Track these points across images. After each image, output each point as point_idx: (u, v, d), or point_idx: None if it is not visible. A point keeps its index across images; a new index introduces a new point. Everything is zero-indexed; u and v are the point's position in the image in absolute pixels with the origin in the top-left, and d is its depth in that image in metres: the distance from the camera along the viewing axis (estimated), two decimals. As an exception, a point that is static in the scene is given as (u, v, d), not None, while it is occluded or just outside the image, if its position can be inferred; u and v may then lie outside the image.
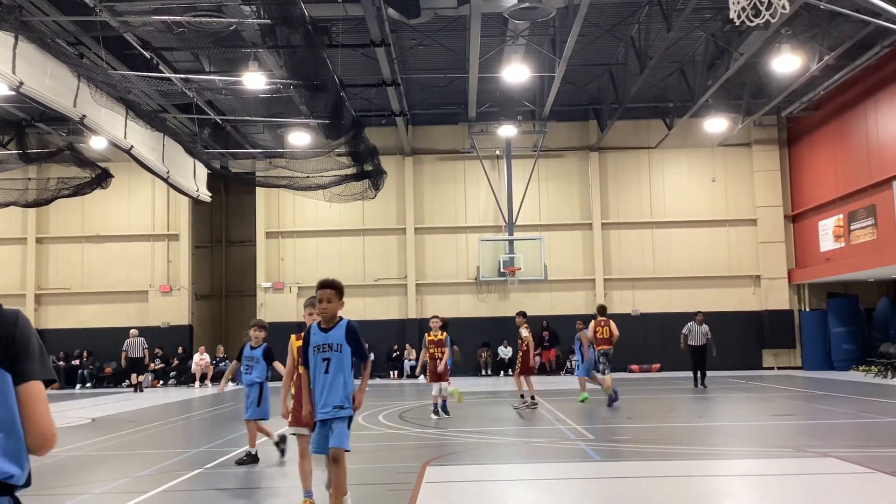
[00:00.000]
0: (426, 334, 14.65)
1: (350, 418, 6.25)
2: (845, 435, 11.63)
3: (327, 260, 29.82)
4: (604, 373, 16.72)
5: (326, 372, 6.11)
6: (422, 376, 15.02)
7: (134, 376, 26.10)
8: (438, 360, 14.14)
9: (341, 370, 6.10)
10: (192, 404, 20.61)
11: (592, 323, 17.18)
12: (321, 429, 6.23)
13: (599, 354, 16.95)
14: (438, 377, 14.19)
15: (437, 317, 14.87)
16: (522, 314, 16.23)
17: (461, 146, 29.73)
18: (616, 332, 17.03)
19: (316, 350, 6.15)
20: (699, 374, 21.00)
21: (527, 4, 16.55)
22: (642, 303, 29.25)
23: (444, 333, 14.37)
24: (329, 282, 6.15)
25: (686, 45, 23.08)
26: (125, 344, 25.95)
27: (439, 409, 14.37)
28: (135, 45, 17.97)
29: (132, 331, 26.67)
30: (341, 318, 6.21)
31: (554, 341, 28.20)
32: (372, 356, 8.05)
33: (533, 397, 15.76)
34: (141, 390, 25.52)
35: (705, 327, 21.21)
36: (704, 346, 21.05)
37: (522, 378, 15.76)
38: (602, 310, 17.40)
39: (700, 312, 22.17)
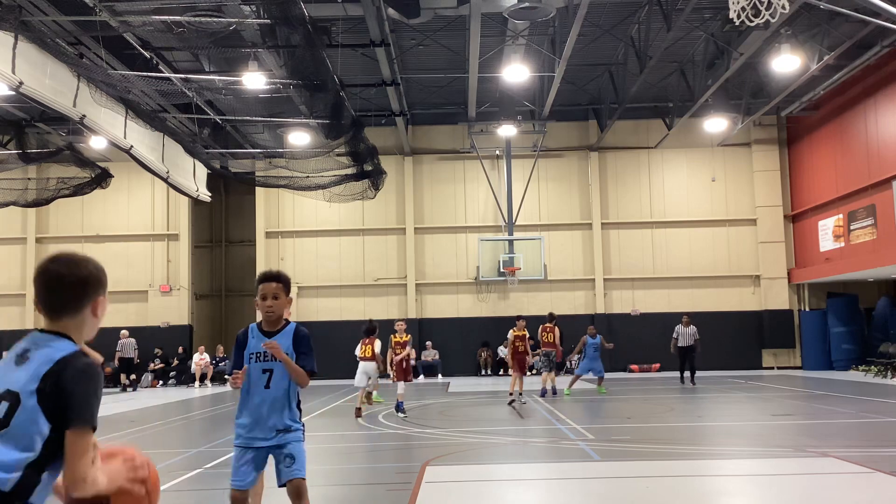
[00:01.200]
0: (391, 336, 15.79)
1: (302, 438, 5.15)
2: (845, 435, 11.64)
3: (327, 260, 29.84)
4: (542, 371, 19.51)
5: (267, 387, 4.98)
6: (390, 374, 16.19)
7: (123, 376, 26.27)
8: (401, 360, 15.30)
9: (285, 385, 4.99)
10: (192, 404, 20.62)
11: (540, 327, 19.04)
12: (251, 457, 5.04)
13: (542, 355, 19.19)
14: (402, 375, 15.26)
15: (402, 321, 16.69)
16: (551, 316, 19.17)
17: (461, 146, 29.73)
18: (558, 337, 18.75)
19: (255, 358, 5.00)
20: (689, 373, 21.95)
21: (526, 4, 16.55)
22: (642, 303, 29.26)
23: (409, 336, 15.87)
24: (274, 274, 5.06)
25: (686, 44, 23.08)
26: (118, 345, 26.20)
27: (402, 408, 15.11)
28: (134, 44, 17.96)
29: (123, 331, 26.84)
30: (287, 322, 5.13)
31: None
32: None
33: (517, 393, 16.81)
34: (135, 389, 25.61)
35: (692, 328, 21.89)
36: (693, 346, 21.84)
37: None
38: (551, 317, 19.12)
39: (686, 314, 22.88)
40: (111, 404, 20.48)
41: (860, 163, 24.78)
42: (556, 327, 18.75)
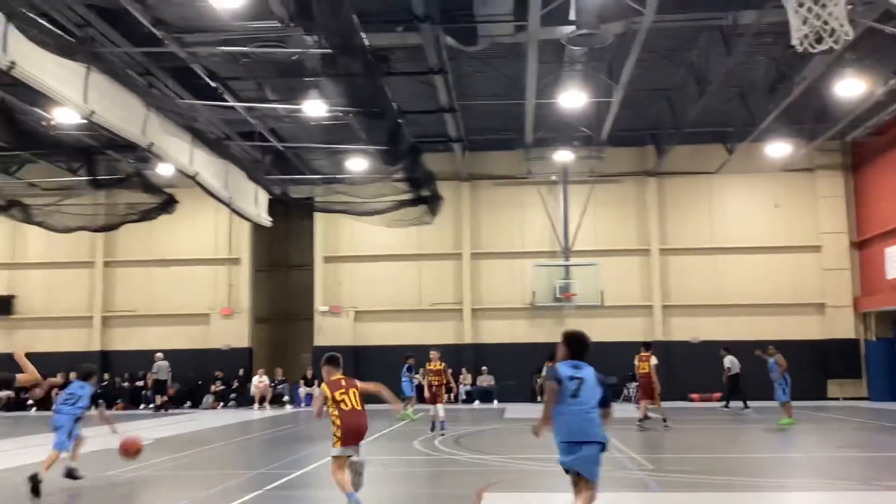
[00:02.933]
0: (427, 364, 17.75)
1: None
2: (916, 469, 11.26)
3: (384, 284, 30.04)
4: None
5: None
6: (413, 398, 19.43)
7: (158, 398, 26.87)
8: (436, 387, 17.04)
9: None
10: (252, 426, 20.90)
11: (636, 357, 18.65)
12: None
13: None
14: (434, 399, 16.86)
15: (436, 351, 17.89)
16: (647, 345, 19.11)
17: (518, 171, 29.77)
18: (654, 367, 18.37)
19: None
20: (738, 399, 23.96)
21: (584, 31, 16.57)
22: (703, 330, 28.74)
23: (443, 364, 17.48)
24: None
25: (746, 69, 22.79)
26: (154, 367, 26.87)
27: (435, 426, 16.62)
28: (201, 75, 18.52)
29: (157, 354, 27.51)
30: None
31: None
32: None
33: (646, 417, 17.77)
34: (166, 410, 26.27)
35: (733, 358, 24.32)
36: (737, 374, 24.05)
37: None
38: (647, 345, 18.95)
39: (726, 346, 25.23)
40: (174, 425, 20.87)
41: (929, 188, 24.09)
42: (653, 356, 18.35)
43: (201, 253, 30.75)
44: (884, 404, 25.46)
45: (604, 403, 6.63)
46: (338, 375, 8.54)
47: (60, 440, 9.95)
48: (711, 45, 20.27)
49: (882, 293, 27.05)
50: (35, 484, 9.18)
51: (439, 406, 16.72)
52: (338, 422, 8.09)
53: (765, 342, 23.72)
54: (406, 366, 21.67)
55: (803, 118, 25.71)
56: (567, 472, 6.49)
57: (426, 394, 17.97)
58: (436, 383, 17.11)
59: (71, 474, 10.09)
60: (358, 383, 8.48)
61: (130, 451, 10.39)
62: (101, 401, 10.47)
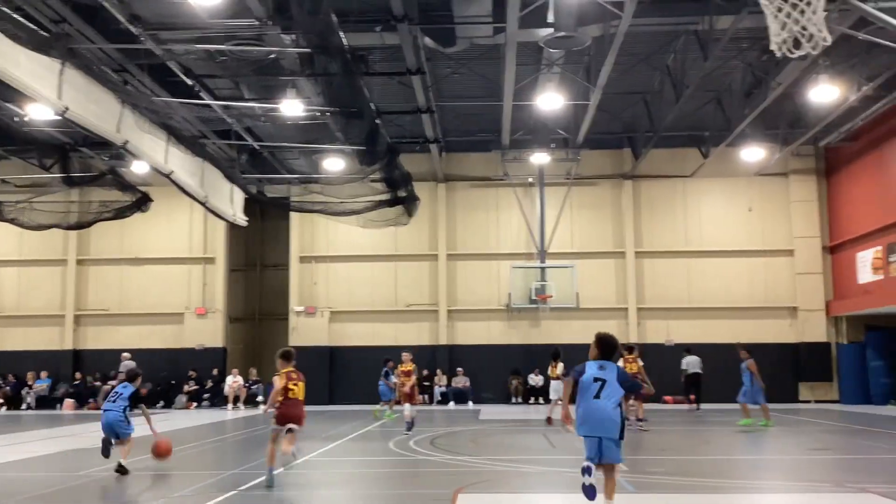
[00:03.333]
0: (399, 365, 18.46)
1: None
2: (885, 470, 11.40)
3: (360, 285, 29.98)
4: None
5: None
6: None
7: None
8: (407, 387, 17.68)
9: None
10: (226, 426, 20.75)
11: (621, 360, 18.24)
12: None
13: None
14: (408, 399, 17.51)
15: (408, 353, 18.56)
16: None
17: (494, 173, 29.82)
18: (641, 368, 18.98)
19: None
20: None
21: (562, 34, 16.64)
22: (676, 333, 28.95)
23: (413, 365, 18.17)
24: None
25: (723, 74, 23.02)
26: (121, 366, 26.71)
27: (413, 425, 17.07)
28: (177, 72, 18.37)
29: (124, 353, 27.30)
30: None
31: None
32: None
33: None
34: (131, 409, 26.04)
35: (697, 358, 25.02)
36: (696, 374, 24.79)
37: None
38: (629, 348, 19.24)
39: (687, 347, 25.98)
40: (144, 425, 20.65)
41: (900, 194, 24.43)
42: (638, 358, 18.95)
43: (176, 252, 30.49)
44: (854, 407, 25.79)
45: (632, 389, 8.49)
46: (290, 368, 10.15)
47: (124, 431, 11.18)
48: (688, 49, 20.44)
49: (853, 297, 27.41)
50: (121, 470, 10.77)
51: (407, 405, 17.42)
52: (280, 406, 9.92)
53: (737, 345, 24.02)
54: (384, 369, 21.95)
55: (778, 123, 26.02)
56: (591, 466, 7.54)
57: (397, 394, 18.78)
58: (408, 384, 17.82)
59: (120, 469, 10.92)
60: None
61: (163, 452, 11.55)
62: (142, 404, 11.85)
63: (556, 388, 19.41)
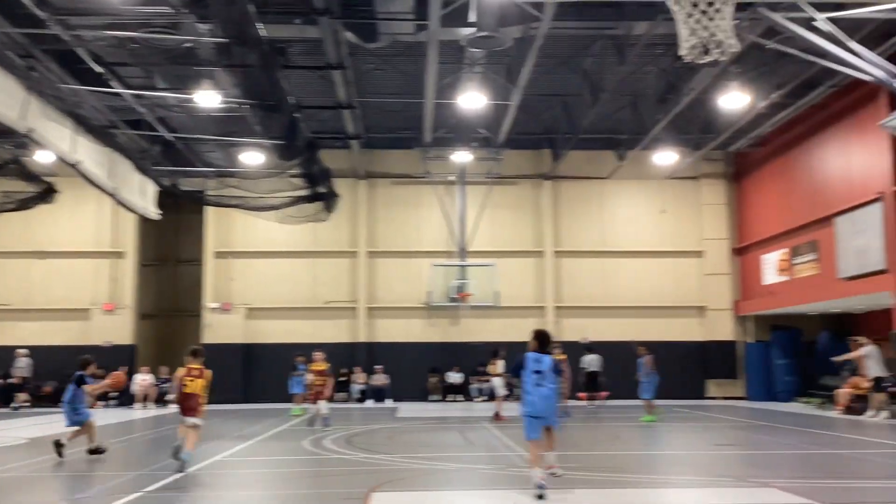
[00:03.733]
0: (310, 365, 18.79)
1: None
2: (787, 465, 11.83)
3: (277, 281, 29.54)
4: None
5: None
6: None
7: (18, 396, 25.89)
8: (319, 385, 18.17)
9: None
10: (134, 426, 20.15)
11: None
12: None
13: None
14: (317, 398, 18.07)
15: (320, 353, 18.80)
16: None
17: (416, 171, 29.79)
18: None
19: None
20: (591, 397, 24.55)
21: (484, 34, 16.72)
22: (592, 330, 29.46)
23: (326, 365, 18.48)
24: None
25: (638, 79, 23.51)
26: (20, 362, 25.97)
27: (315, 422, 17.80)
28: (87, 59, 17.71)
29: (20, 350, 26.51)
30: None
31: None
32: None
33: None
34: (17, 409, 25.63)
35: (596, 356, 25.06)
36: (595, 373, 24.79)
37: None
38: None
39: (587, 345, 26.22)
40: (50, 424, 19.91)
41: (804, 199, 25.44)
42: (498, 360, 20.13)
43: (83, 245, 29.44)
44: (759, 404, 26.72)
45: (559, 373, 9.72)
46: (196, 365, 11.51)
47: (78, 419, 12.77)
48: (605, 53, 20.81)
49: (759, 298, 28.41)
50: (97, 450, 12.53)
51: (321, 403, 17.95)
52: (177, 397, 11.45)
53: (649, 343, 24.61)
54: (297, 365, 22.12)
55: (690, 128, 26.74)
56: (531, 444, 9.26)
57: (309, 393, 18.92)
58: (319, 383, 18.21)
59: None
60: (207, 375, 11.58)
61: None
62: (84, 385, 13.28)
63: (500, 385, 20.17)
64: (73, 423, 12.75)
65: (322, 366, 18.42)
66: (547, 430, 9.46)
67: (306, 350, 21.08)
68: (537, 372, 9.19)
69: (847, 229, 22.71)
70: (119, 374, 14.73)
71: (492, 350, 21.04)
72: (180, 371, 11.58)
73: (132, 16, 15.89)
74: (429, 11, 16.45)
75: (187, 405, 11.26)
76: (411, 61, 21.86)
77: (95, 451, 12.54)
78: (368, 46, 19.49)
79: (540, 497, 8.50)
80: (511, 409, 20.23)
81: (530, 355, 9.39)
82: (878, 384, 20.04)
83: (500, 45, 17.63)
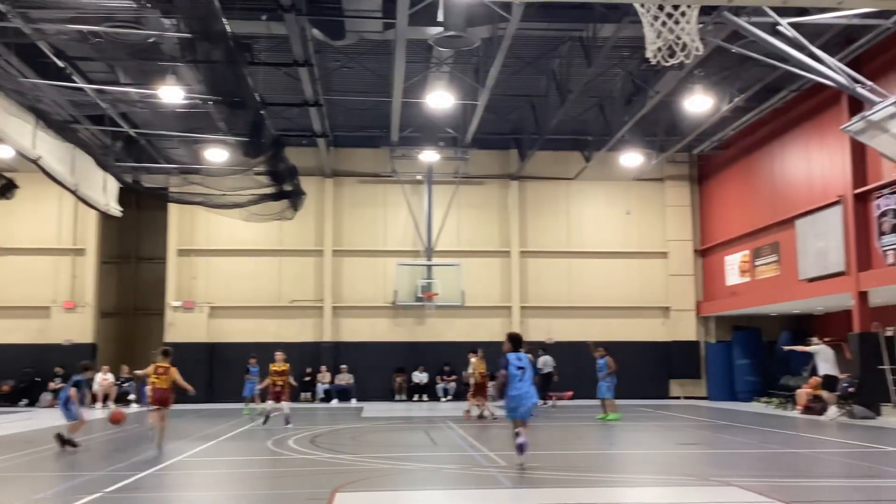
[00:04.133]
0: (271, 364, 18.64)
1: None
2: (747, 464, 11.98)
3: (241, 280, 29.28)
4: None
5: None
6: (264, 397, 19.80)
7: None
8: (279, 386, 18.41)
9: None
10: (94, 426, 19.81)
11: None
12: None
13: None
14: (278, 398, 18.39)
15: (281, 353, 18.91)
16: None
17: (382, 170, 29.71)
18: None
19: None
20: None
21: (452, 33, 16.72)
22: (557, 331, 29.63)
23: (287, 365, 18.63)
24: None
25: (605, 81, 23.70)
26: None
27: (289, 422, 17.90)
28: (48, 53, 17.39)
29: None
30: None
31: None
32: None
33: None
34: None
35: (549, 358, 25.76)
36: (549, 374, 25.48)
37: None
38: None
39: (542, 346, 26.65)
40: (8, 424, 19.52)
41: (765, 201, 25.80)
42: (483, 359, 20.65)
43: (43, 242, 28.93)
44: (720, 403, 27.04)
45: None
46: (164, 364, 13.45)
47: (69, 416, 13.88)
48: (573, 55, 20.93)
49: (721, 298, 28.76)
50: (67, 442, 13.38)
51: (284, 403, 18.29)
52: (149, 391, 13.52)
53: (613, 343, 24.85)
54: (248, 367, 22.75)
55: (655, 130, 27.03)
56: (513, 422, 10.99)
57: (269, 393, 18.93)
58: (280, 383, 18.44)
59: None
60: (173, 371, 13.51)
61: (117, 419, 15.12)
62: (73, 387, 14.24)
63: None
64: (69, 421, 13.85)
65: (283, 366, 18.55)
66: (522, 423, 10.91)
67: (270, 350, 20.90)
68: (520, 368, 10.78)
69: (808, 231, 23.07)
70: (119, 413, 15.74)
71: (471, 349, 21.65)
72: (149, 369, 13.59)
73: (95, 9, 15.62)
74: (396, 10, 16.40)
75: (157, 397, 13.39)
76: (379, 60, 21.81)
77: (67, 442, 13.38)
78: (335, 44, 19.40)
79: (521, 449, 10.74)
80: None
81: (511, 355, 10.83)
82: (828, 383, 20.51)
83: (468, 44, 17.66)
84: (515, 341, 11.11)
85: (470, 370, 21.33)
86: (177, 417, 19.28)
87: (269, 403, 18.61)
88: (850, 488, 9.88)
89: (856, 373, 20.58)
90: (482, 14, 17.56)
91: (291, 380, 19.36)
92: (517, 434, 10.74)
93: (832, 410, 19.98)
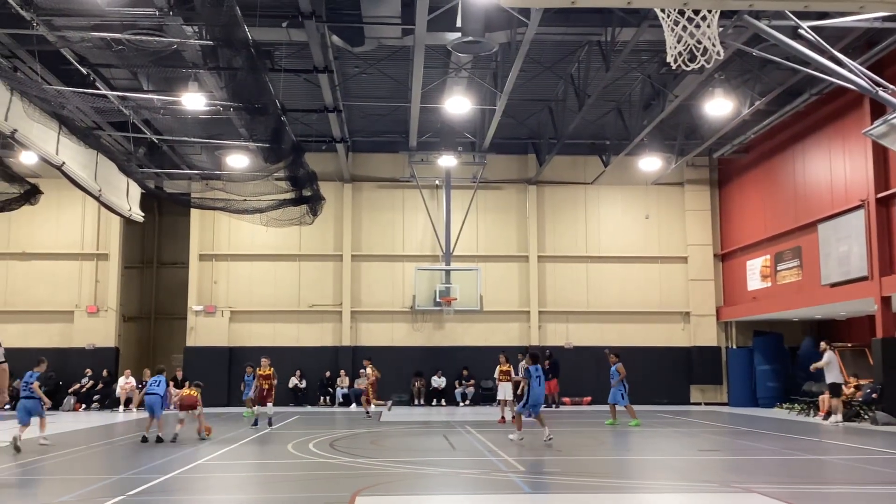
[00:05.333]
0: (258, 369, 19.68)
1: None
2: (769, 471, 11.90)
3: (262, 285, 29.45)
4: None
5: None
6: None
7: None
8: (265, 389, 19.33)
9: None
10: (116, 429, 20.00)
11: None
12: None
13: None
14: (264, 401, 19.36)
15: (266, 358, 19.89)
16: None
17: (401, 175, 29.80)
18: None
19: None
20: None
21: (470, 39, 16.77)
22: (575, 336, 29.56)
23: (271, 370, 19.56)
24: None
25: (623, 84, 23.66)
26: None
27: (258, 422, 19.43)
28: (71, 60, 17.61)
29: None
30: None
31: (555, 371, 27.26)
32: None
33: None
34: None
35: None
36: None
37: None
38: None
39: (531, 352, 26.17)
40: (32, 427, 19.70)
41: (787, 206, 25.63)
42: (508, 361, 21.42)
43: (66, 247, 29.26)
44: (742, 409, 26.86)
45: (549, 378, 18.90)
46: (191, 392, 16.22)
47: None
48: (591, 59, 20.91)
49: (742, 303, 28.57)
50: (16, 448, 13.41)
51: (269, 405, 19.38)
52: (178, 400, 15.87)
53: (633, 349, 24.76)
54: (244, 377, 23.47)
55: (674, 134, 26.93)
56: (530, 416, 15.23)
57: (254, 395, 20.16)
58: (265, 386, 19.40)
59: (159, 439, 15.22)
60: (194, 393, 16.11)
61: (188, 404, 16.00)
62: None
63: (504, 389, 20.95)
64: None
65: (268, 370, 19.50)
66: (539, 417, 15.17)
67: (292, 353, 21.11)
68: (538, 377, 15.20)
69: (830, 236, 22.89)
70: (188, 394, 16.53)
71: (505, 354, 22.21)
72: (183, 391, 17.04)
73: (118, 17, 15.81)
74: (415, 16, 16.47)
75: (185, 404, 16.05)
76: (397, 65, 21.89)
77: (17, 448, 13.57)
78: (355, 50, 19.49)
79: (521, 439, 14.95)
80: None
81: (532, 367, 15.35)
82: (834, 390, 20.36)
83: (486, 50, 17.69)
84: (535, 357, 15.57)
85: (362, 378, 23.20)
86: (197, 421, 19.34)
87: (266, 406, 19.48)
88: (872, 495, 9.80)
89: (878, 379, 20.39)
90: (500, 19, 17.61)
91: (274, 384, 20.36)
92: (543, 424, 15.05)
93: (833, 417, 19.98)
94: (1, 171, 19.62)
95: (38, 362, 15.45)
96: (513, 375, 20.68)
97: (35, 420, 14.60)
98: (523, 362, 20.27)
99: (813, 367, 21.65)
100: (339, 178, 29.62)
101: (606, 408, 25.52)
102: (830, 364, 20.60)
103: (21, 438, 13.76)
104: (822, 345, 21.37)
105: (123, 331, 29.80)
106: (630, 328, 29.42)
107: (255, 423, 19.42)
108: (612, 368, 20.01)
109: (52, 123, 15.99)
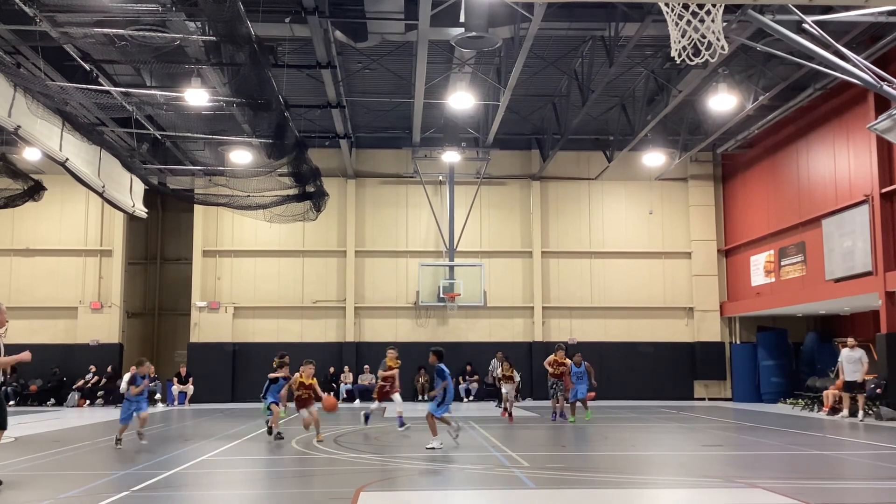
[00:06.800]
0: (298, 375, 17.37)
1: None
2: (773, 466, 11.89)
3: (265, 281, 29.48)
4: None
5: None
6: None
7: None
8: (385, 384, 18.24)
9: None
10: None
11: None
12: None
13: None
14: (387, 394, 18.05)
15: (394, 349, 18.86)
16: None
17: (404, 170, 29.79)
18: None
19: None
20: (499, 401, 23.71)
21: (473, 34, 16.73)
22: (579, 331, 29.56)
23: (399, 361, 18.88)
24: None
25: (627, 80, 23.61)
26: None
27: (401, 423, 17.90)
28: (74, 56, 17.61)
29: None
30: None
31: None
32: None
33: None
34: None
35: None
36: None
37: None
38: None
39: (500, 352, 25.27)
40: (37, 423, 19.77)
41: (791, 201, 25.58)
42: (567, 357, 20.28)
43: (70, 243, 29.30)
44: (745, 405, 26.85)
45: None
46: None
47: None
48: (594, 54, 20.87)
49: (746, 299, 28.54)
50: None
51: (396, 396, 18.41)
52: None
53: (636, 344, 24.75)
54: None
55: (678, 130, 26.88)
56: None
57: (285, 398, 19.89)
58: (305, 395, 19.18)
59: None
60: None
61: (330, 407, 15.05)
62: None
63: (507, 388, 20.88)
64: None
65: (396, 363, 18.83)
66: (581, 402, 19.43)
67: (297, 349, 21.01)
68: (576, 374, 19.15)
69: (834, 231, 22.84)
70: (331, 400, 15.49)
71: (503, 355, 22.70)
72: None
73: (121, 13, 15.79)
74: (418, 11, 16.45)
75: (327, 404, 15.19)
76: (401, 61, 21.87)
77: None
78: (358, 46, 19.48)
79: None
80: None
81: (574, 367, 19.41)
82: (847, 387, 20.28)
83: (490, 45, 17.66)
84: (559, 365, 19.14)
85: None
86: (201, 417, 19.42)
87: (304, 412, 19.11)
88: (877, 490, 9.79)
89: (882, 374, 20.35)
90: (504, 14, 17.57)
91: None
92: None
93: (842, 412, 20.00)
94: (5, 167, 19.65)
95: (139, 364, 14.69)
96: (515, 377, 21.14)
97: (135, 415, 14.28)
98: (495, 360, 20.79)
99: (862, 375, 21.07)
100: (343, 174, 29.61)
101: (608, 403, 25.64)
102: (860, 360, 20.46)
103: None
104: (851, 340, 21.09)
105: (127, 327, 29.85)
106: (634, 324, 29.42)
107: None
108: (581, 367, 19.84)
109: (55, 119, 16.00)
